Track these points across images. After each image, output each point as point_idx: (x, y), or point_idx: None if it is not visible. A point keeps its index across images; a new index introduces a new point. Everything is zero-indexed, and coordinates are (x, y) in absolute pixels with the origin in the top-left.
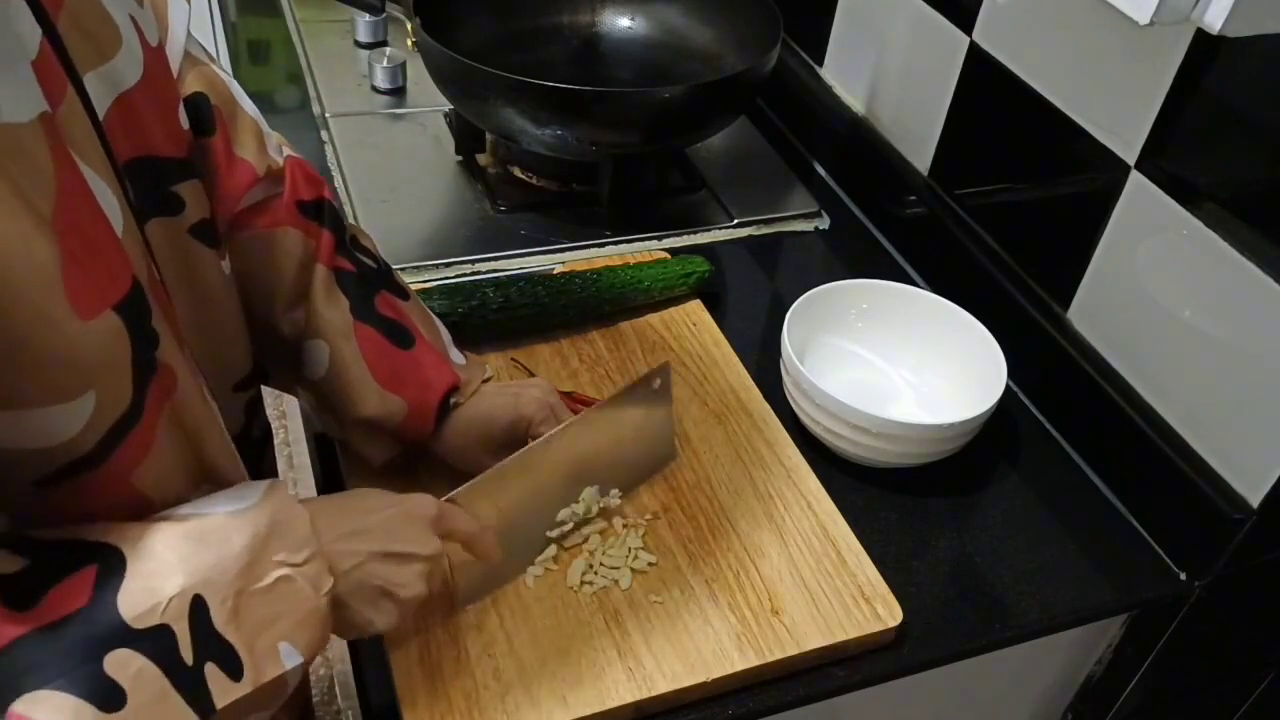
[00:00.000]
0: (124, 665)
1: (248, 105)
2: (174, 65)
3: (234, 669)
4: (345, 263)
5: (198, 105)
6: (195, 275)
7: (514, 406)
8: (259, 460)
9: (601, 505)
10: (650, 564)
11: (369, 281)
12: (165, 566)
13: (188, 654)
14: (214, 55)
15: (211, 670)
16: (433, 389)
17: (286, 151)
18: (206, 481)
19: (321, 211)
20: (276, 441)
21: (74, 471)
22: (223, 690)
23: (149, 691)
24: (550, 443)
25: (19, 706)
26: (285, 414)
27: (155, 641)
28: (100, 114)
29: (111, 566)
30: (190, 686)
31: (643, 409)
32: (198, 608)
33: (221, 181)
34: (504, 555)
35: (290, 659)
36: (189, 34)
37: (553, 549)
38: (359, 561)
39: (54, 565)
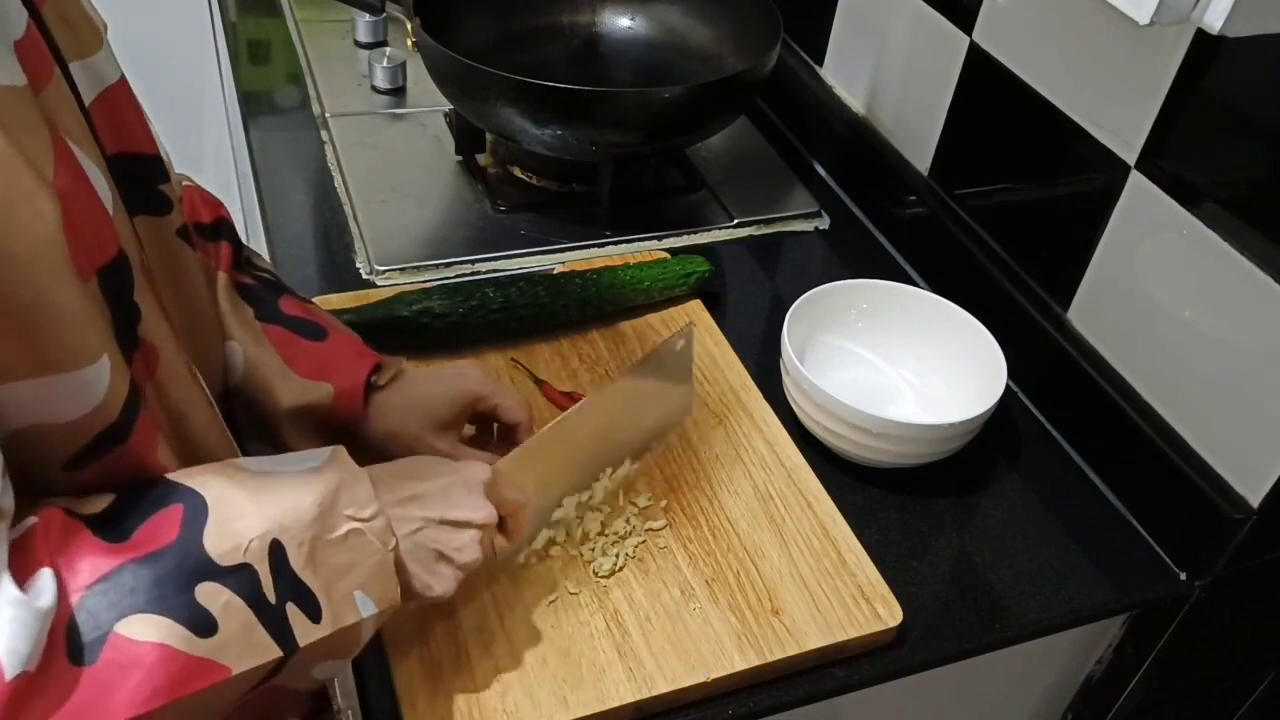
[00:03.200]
0: (214, 596)
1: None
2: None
3: (313, 611)
4: (243, 278)
5: None
6: (182, 278)
7: (457, 384)
8: None
9: (616, 484)
10: (651, 529)
11: (270, 289)
12: (244, 512)
13: (270, 593)
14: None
15: (293, 610)
16: (356, 370)
17: (185, 184)
18: (194, 462)
19: (219, 230)
20: None
21: (103, 446)
22: (304, 630)
23: (237, 622)
24: (583, 411)
25: (121, 628)
26: None
27: (240, 578)
28: (86, 102)
29: (196, 508)
30: (274, 623)
31: (665, 371)
32: (276, 551)
33: None
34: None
35: (366, 608)
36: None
37: (547, 533)
38: (417, 526)
39: (140, 504)
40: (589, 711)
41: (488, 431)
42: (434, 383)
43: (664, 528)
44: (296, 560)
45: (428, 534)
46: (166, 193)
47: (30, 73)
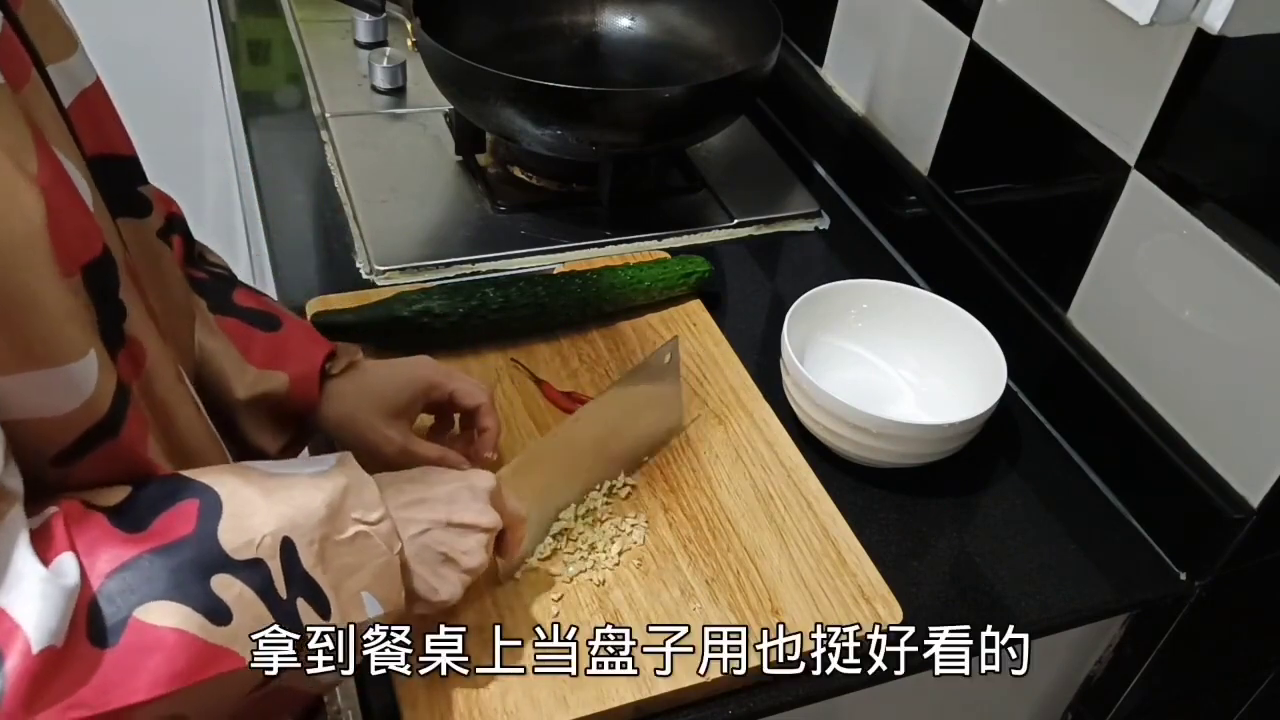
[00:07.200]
0: (227, 587)
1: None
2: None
3: (323, 608)
4: (196, 272)
5: None
6: (163, 279)
7: (410, 371)
8: None
9: (610, 498)
10: (635, 539)
11: (223, 282)
12: (257, 509)
13: (281, 588)
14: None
15: (303, 605)
16: (310, 357)
17: None
18: (183, 463)
19: (171, 225)
20: None
21: (93, 441)
22: (314, 626)
23: (250, 614)
24: (574, 423)
25: (140, 613)
26: None
27: (253, 572)
28: (65, 104)
29: (211, 503)
30: (286, 616)
31: (654, 384)
32: (287, 547)
33: None
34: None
35: (373, 609)
36: None
37: (550, 541)
38: (423, 528)
39: (157, 498)
40: (589, 711)
41: (447, 422)
42: (388, 370)
43: (662, 527)
44: (306, 558)
45: (433, 536)
46: (145, 194)
47: (7, 71)
